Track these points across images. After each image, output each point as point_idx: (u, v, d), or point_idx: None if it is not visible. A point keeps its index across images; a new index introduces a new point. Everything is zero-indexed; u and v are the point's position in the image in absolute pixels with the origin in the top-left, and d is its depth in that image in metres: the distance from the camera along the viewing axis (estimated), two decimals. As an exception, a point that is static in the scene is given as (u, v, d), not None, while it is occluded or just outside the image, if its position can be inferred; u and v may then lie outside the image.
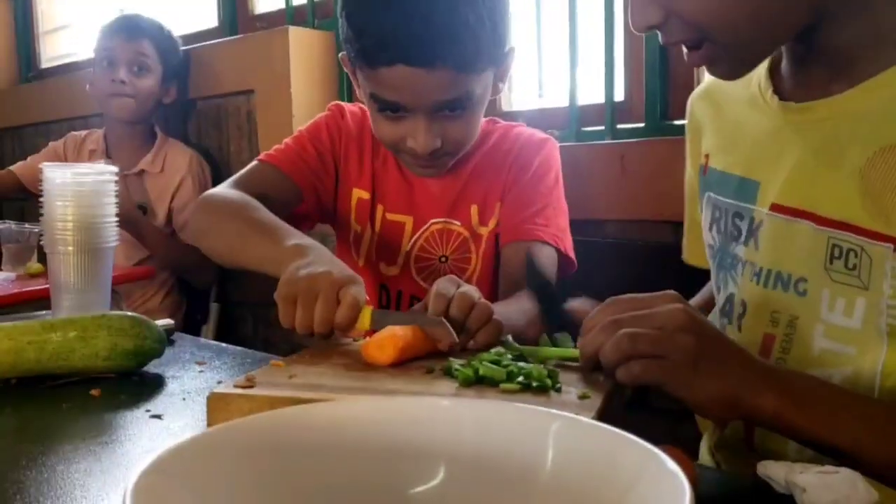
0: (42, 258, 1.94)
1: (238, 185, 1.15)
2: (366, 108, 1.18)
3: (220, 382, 0.88)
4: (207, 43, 2.32)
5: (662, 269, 1.27)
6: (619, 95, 1.61)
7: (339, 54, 1.17)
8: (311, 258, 0.86)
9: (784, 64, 0.79)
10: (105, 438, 0.72)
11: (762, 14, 0.68)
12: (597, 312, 0.68)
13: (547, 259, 1.13)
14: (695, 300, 1.02)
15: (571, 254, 1.18)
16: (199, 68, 2.29)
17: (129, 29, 2.18)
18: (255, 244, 0.97)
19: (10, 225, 1.94)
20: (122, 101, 2.18)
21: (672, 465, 0.43)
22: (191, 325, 2.26)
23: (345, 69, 1.15)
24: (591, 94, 1.65)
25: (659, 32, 0.71)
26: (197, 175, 2.19)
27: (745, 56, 0.73)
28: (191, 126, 2.39)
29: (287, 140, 1.23)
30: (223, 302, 2.32)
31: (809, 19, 0.70)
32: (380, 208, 1.22)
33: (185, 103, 2.37)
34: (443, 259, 1.21)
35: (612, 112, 1.57)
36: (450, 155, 1.13)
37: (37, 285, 1.73)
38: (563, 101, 1.66)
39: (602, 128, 1.58)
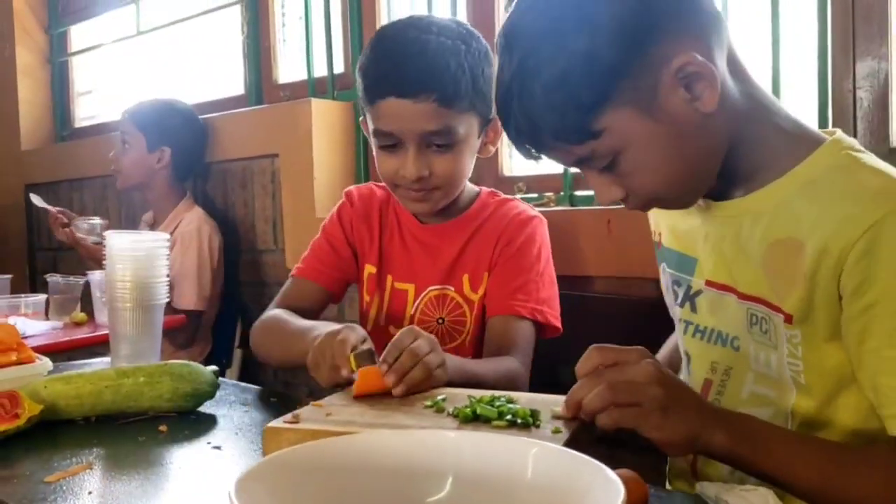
0: (84, 307, 2.14)
1: (279, 303, 1.43)
2: (373, 187, 1.43)
3: (263, 420, 1.06)
4: (237, 111, 2.53)
5: (645, 321, 1.44)
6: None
7: (360, 118, 1.39)
8: (320, 333, 1.09)
9: None
10: (178, 465, 0.90)
11: (696, 173, 0.89)
12: (582, 361, 0.85)
13: (525, 332, 1.30)
14: (660, 354, 1.19)
15: (555, 322, 1.33)
16: (229, 133, 2.50)
17: (121, 117, 2.47)
18: (293, 346, 1.21)
19: (56, 278, 2.14)
20: (116, 178, 2.50)
21: (613, 476, 0.60)
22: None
23: (362, 129, 1.38)
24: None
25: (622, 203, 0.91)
26: (202, 245, 2.33)
27: (688, 200, 0.94)
28: (219, 185, 2.59)
29: (311, 244, 1.47)
30: (246, 347, 2.49)
31: (722, 159, 0.89)
32: (389, 278, 1.41)
33: (210, 166, 2.58)
34: (440, 321, 1.37)
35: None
36: (439, 189, 1.30)
37: (83, 333, 1.92)
38: (558, 168, 1.85)
39: (593, 192, 1.76)
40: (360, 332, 1.05)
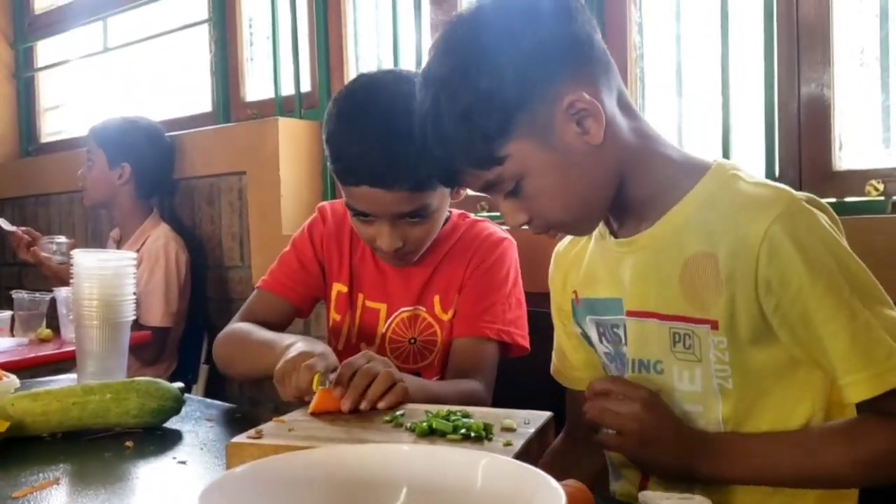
0: (50, 324, 2.15)
1: (244, 315, 1.45)
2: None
3: (227, 435, 1.08)
4: (205, 129, 2.55)
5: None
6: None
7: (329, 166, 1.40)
8: (295, 347, 1.12)
9: (609, 216, 1.06)
10: (145, 480, 0.93)
11: (590, 200, 0.99)
12: (602, 381, 0.99)
13: (489, 354, 1.33)
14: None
15: (522, 342, 1.35)
16: (196, 151, 2.52)
17: (87, 136, 2.49)
18: (259, 358, 1.24)
19: (22, 294, 2.14)
20: (82, 194, 2.52)
21: (555, 484, 0.65)
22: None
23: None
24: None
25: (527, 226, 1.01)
26: (169, 261, 2.34)
27: (586, 227, 1.05)
28: (186, 202, 2.61)
29: (279, 258, 1.48)
30: (212, 363, 2.50)
31: (615, 188, 0.99)
32: (360, 297, 1.43)
33: (177, 182, 2.60)
34: (412, 341, 1.39)
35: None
36: (413, 253, 1.33)
37: (49, 350, 1.93)
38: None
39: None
40: (331, 360, 1.07)
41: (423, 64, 1.02)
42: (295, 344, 1.13)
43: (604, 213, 1.03)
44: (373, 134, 1.19)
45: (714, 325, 0.94)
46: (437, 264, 1.39)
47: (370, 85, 1.26)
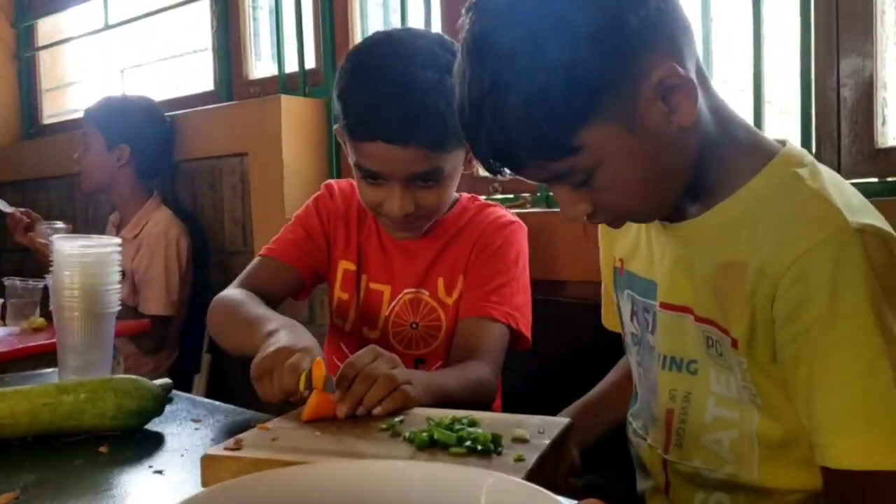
0: (44, 313, 2.06)
1: (243, 282, 1.32)
2: (354, 183, 1.32)
3: (212, 440, 0.99)
4: (205, 108, 2.46)
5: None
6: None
7: (335, 126, 1.31)
8: (276, 339, 1.00)
9: None
10: (115, 492, 0.83)
11: (667, 188, 0.86)
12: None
13: (497, 336, 1.24)
14: (594, 391, 1.18)
15: (525, 331, 1.27)
16: (197, 131, 2.43)
17: (83, 118, 2.39)
18: (244, 337, 1.13)
19: (14, 281, 2.06)
20: (80, 180, 2.41)
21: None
22: (183, 374, 2.35)
23: (338, 138, 1.29)
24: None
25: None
26: (169, 248, 2.26)
27: (654, 215, 0.92)
28: (186, 185, 2.52)
29: (283, 229, 1.38)
30: (215, 352, 2.42)
31: (692, 175, 0.87)
32: (364, 278, 1.35)
33: (177, 164, 2.50)
34: (414, 325, 1.32)
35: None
36: (423, 219, 1.26)
37: (39, 341, 1.84)
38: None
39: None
40: (316, 353, 0.96)
41: (465, 28, 0.83)
42: (276, 334, 1.02)
43: (675, 203, 0.90)
44: (390, 87, 1.12)
45: (734, 344, 0.83)
46: (442, 246, 1.31)
47: (387, 40, 1.20)
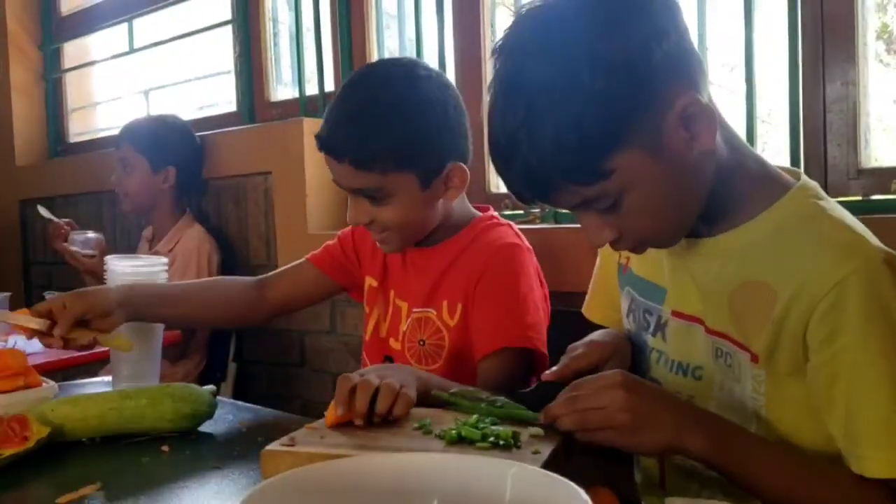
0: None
1: (268, 275, 1.56)
2: None
3: (260, 439, 1.10)
4: (231, 129, 2.58)
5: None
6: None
7: None
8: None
9: None
10: (182, 484, 0.96)
11: (688, 213, 0.93)
12: (563, 394, 0.91)
13: (514, 363, 1.27)
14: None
15: (542, 347, 1.29)
16: (222, 151, 2.55)
17: (117, 139, 2.48)
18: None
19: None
20: (121, 201, 2.50)
21: (584, 495, 0.66)
22: (210, 382, 2.44)
23: None
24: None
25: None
26: (201, 263, 2.35)
27: (675, 239, 0.97)
28: (213, 202, 2.64)
29: (326, 243, 1.56)
30: (240, 361, 2.54)
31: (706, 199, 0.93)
32: (392, 292, 1.45)
33: (207, 182, 2.63)
34: (421, 342, 1.38)
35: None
36: (390, 232, 1.33)
37: (82, 351, 1.95)
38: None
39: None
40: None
41: (495, 69, 0.89)
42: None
43: (693, 224, 0.96)
44: (339, 105, 1.27)
45: (754, 359, 0.92)
46: (447, 266, 1.37)
47: (372, 65, 1.38)
